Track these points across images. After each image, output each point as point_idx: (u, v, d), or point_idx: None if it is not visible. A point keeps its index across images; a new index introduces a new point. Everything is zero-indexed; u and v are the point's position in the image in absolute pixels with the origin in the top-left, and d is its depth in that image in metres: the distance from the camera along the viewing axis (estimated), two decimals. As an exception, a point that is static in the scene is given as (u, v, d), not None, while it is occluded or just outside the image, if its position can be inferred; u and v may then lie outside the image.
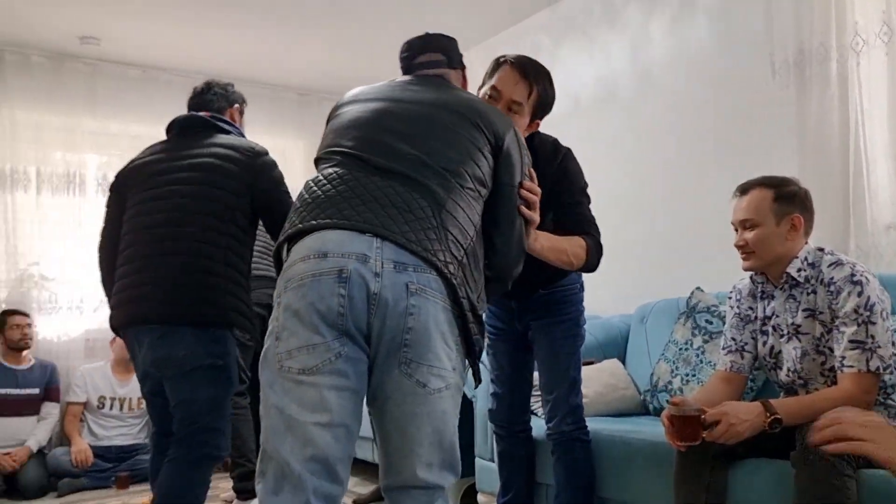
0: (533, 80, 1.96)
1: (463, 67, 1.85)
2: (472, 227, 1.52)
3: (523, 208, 1.67)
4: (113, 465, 3.96)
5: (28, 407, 3.99)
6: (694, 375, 2.68)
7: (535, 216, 1.72)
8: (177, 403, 2.14)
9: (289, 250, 1.50)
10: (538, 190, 1.72)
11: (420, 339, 1.39)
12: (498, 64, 1.99)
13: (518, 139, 1.67)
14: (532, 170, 1.74)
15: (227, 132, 2.32)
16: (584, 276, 2.34)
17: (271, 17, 4.06)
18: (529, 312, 2.29)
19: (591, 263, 2.01)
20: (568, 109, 3.73)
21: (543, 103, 2.00)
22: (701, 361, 2.68)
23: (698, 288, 2.87)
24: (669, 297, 3.08)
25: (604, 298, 3.35)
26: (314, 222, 1.44)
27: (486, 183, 1.58)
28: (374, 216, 1.42)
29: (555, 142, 2.17)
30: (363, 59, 4.67)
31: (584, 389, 2.40)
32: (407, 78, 1.75)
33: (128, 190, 2.25)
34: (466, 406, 2.97)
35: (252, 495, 2.94)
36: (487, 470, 2.84)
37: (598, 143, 3.60)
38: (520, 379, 2.42)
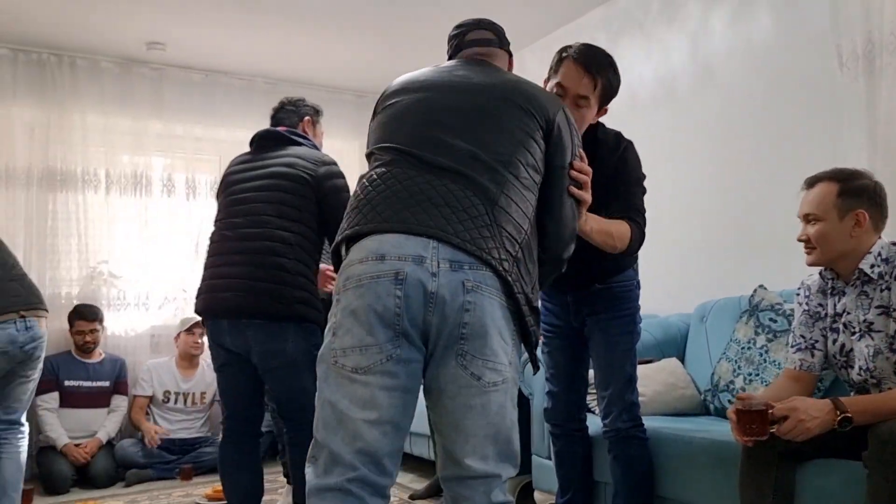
0: (596, 72, 1.98)
1: (510, 53, 1.86)
2: (525, 221, 1.53)
3: (573, 188, 1.67)
4: (177, 457, 4.08)
5: (99, 399, 4.15)
6: (757, 375, 2.62)
7: (587, 196, 1.71)
8: (284, 391, 2.41)
9: (347, 248, 1.53)
10: (588, 170, 1.72)
11: (476, 332, 1.42)
12: (561, 58, 2.01)
13: (568, 119, 1.67)
14: (582, 151, 1.74)
15: (300, 144, 2.55)
16: (641, 274, 2.34)
17: (328, 21, 4.13)
18: (585, 307, 2.28)
19: (633, 248, 2.06)
20: (625, 107, 3.68)
21: (609, 92, 2.05)
22: (765, 360, 2.62)
23: (761, 286, 2.80)
24: (730, 296, 3.02)
25: (661, 297, 3.31)
26: (372, 225, 1.47)
27: (540, 168, 1.58)
28: (428, 217, 1.44)
29: (618, 134, 2.20)
30: (419, 58, 4.68)
31: (642, 388, 2.37)
32: (453, 63, 1.75)
33: (218, 197, 2.55)
34: (523, 404, 2.97)
35: None
36: (544, 468, 2.83)
37: (656, 140, 3.55)
38: (576, 377, 2.41)
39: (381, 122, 1.67)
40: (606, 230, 1.96)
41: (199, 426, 4.28)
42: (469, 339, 1.42)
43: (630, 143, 2.19)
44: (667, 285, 3.35)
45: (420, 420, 3.45)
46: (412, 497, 3.34)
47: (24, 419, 3.04)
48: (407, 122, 1.60)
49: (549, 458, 2.79)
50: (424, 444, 3.62)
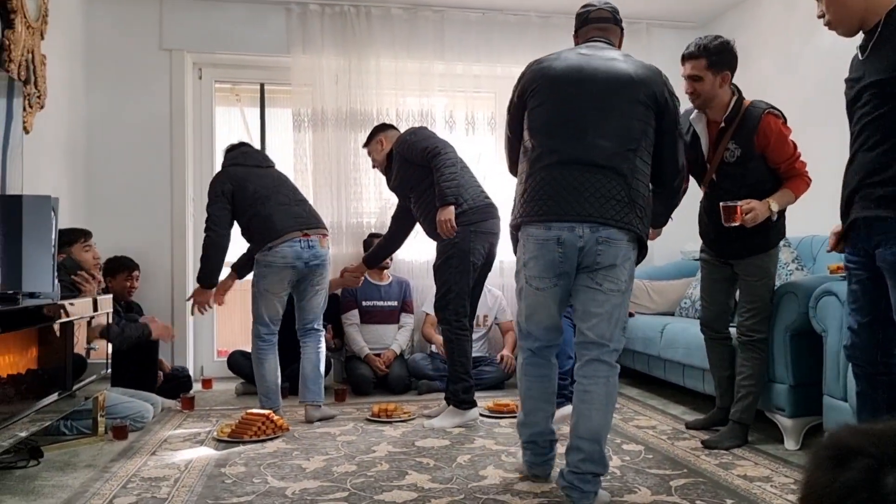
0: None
1: (622, 28, 2.58)
2: (646, 187, 2.34)
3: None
4: (460, 373, 4.45)
5: (390, 317, 4.67)
6: None
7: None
8: None
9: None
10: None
11: (604, 265, 2.28)
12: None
13: (668, 87, 2.38)
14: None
15: None
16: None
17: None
18: (874, 236, 2.11)
19: None
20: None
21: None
22: None
23: None
24: None
25: None
26: (542, 216, 2.33)
27: (653, 141, 2.35)
28: (579, 206, 2.25)
29: None
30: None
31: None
32: (580, 54, 2.42)
33: None
34: (816, 341, 2.78)
35: (464, 405, 3.45)
36: (837, 409, 2.65)
37: None
38: (875, 315, 2.19)
39: (538, 124, 2.39)
40: None
41: (479, 346, 4.61)
42: (598, 269, 2.29)
43: None
44: None
45: (696, 354, 3.39)
46: (688, 426, 3.32)
47: (320, 325, 3.70)
48: (561, 130, 2.33)
49: (844, 400, 2.61)
50: (699, 378, 3.56)
